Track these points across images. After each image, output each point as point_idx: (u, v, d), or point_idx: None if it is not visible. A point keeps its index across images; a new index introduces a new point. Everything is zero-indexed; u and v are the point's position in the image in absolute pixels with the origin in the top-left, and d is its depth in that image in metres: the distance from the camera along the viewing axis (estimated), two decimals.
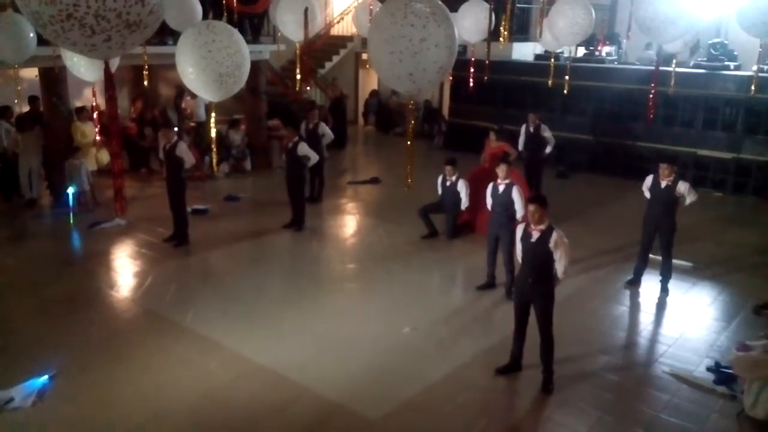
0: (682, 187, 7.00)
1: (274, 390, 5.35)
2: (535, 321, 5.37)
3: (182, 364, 5.73)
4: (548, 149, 10.39)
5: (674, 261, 7.38)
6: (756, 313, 6.78)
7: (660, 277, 7.36)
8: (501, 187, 7.00)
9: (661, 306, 7.17)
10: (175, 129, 12.26)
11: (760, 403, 4.91)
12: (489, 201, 7.17)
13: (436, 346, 6.14)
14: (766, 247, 8.95)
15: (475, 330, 6.55)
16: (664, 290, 7.33)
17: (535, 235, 5.23)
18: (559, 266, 5.23)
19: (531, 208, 5.25)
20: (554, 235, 5.17)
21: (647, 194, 7.31)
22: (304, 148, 9.16)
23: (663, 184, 7.06)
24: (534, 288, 5.31)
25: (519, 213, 6.89)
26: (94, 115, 9.19)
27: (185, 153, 8.41)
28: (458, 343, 6.22)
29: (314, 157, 9.29)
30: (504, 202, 6.95)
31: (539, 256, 5.22)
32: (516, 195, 6.89)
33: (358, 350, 6.01)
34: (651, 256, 7.43)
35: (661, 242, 7.24)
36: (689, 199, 7.04)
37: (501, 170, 7.04)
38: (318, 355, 5.94)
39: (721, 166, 11.81)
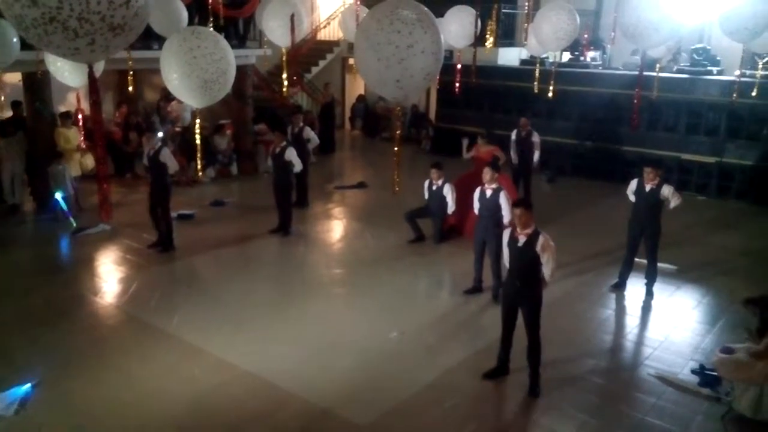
0: (667, 190, 7.06)
1: (261, 396, 5.32)
2: (522, 325, 5.39)
3: (167, 371, 5.68)
4: (535, 156, 10.42)
5: (659, 264, 7.44)
6: (744, 305, 6.73)
7: (645, 281, 7.42)
8: (489, 192, 7.02)
9: (646, 309, 7.21)
10: (159, 134, 12.23)
11: (743, 403, 5.01)
12: (476, 205, 7.19)
13: (423, 351, 6.13)
14: (749, 250, 9.05)
15: (463, 334, 6.55)
16: (649, 293, 7.39)
17: (522, 239, 5.25)
18: (546, 269, 5.26)
19: (517, 212, 5.29)
20: (541, 239, 5.20)
21: (632, 198, 7.36)
22: (291, 153, 9.14)
23: (648, 187, 7.12)
24: (521, 292, 5.33)
25: (506, 218, 6.91)
26: (79, 120, 9.11)
27: (169, 158, 8.34)
28: (446, 347, 6.22)
29: (298, 166, 9.27)
30: (491, 207, 6.97)
31: (526, 260, 5.25)
32: (503, 200, 6.90)
33: (345, 355, 5.99)
34: (636, 259, 7.48)
35: (646, 245, 7.29)
36: (674, 203, 7.10)
37: (486, 174, 7.06)
38: (304, 360, 5.91)
39: (704, 170, 11.93)
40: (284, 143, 9.26)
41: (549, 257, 5.21)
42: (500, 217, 6.94)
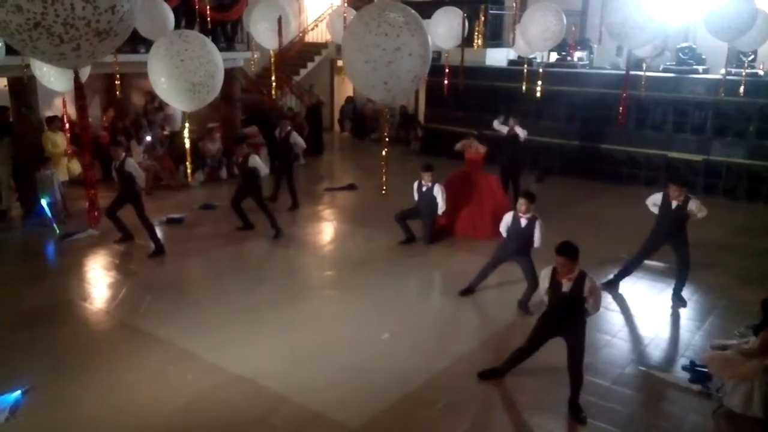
0: (693, 205, 6.96)
1: (253, 400, 5.30)
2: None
3: (158, 377, 5.65)
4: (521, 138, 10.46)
5: (648, 262, 7.47)
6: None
7: (673, 287, 7.32)
8: (523, 221, 6.73)
9: (636, 306, 7.24)
10: (146, 139, 12.17)
11: (734, 399, 5.05)
12: (504, 229, 6.96)
13: (415, 352, 6.13)
14: (735, 247, 9.13)
15: (455, 335, 6.56)
16: (681, 300, 7.24)
17: (567, 284, 4.95)
18: (592, 310, 5.07)
19: (560, 260, 4.88)
20: (587, 283, 4.91)
21: (653, 209, 7.27)
22: (254, 160, 9.31)
23: (673, 204, 7.03)
24: (563, 323, 5.12)
25: (537, 243, 6.73)
26: (65, 125, 9.06)
27: (134, 168, 8.51)
28: (438, 348, 6.22)
29: (263, 170, 9.43)
30: (526, 235, 6.73)
31: (573, 304, 5.00)
32: (537, 230, 6.70)
33: (337, 357, 5.98)
34: (646, 261, 7.48)
35: (678, 255, 7.21)
36: (700, 215, 7.03)
37: (522, 205, 6.73)
38: (296, 363, 5.90)
39: (691, 168, 12.02)
40: (246, 152, 9.42)
41: (594, 300, 4.98)
42: (531, 242, 6.79)
